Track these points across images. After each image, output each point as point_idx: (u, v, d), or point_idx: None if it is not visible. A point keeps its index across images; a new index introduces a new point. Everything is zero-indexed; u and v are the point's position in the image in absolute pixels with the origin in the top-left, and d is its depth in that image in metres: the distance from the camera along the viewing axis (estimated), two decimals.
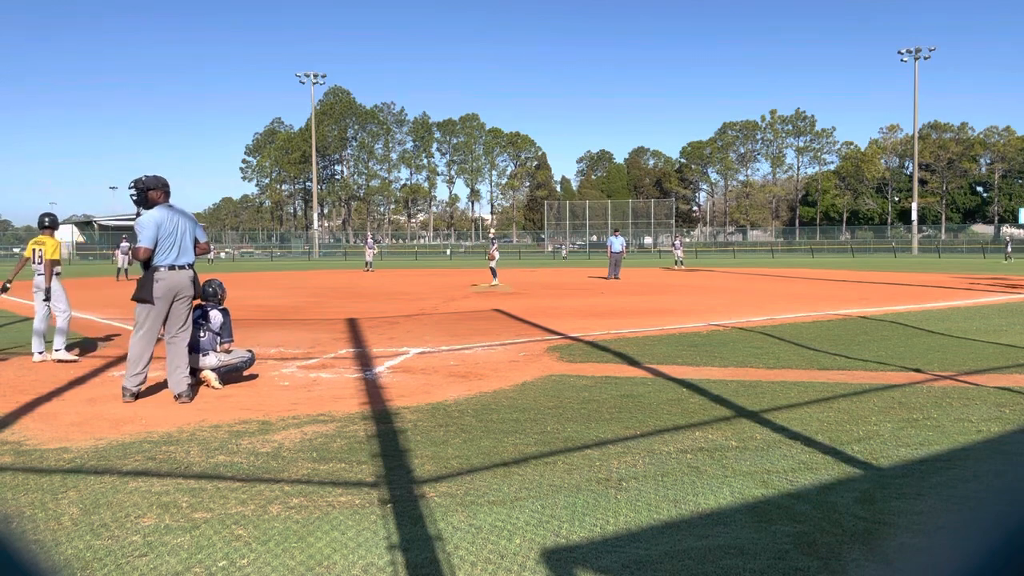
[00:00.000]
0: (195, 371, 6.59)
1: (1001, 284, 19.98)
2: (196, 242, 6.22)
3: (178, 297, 6.02)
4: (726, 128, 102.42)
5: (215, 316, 6.66)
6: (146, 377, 6.10)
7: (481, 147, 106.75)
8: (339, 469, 4.19)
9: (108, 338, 10.48)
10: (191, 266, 6.08)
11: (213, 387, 6.42)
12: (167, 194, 6.12)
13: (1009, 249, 42.45)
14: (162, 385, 6.69)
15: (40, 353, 8.04)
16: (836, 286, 20.35)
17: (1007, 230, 77.52)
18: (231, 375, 6.72)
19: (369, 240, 35.77)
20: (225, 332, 6.68)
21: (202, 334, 6.57)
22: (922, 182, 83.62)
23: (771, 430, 4.92)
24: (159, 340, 6.11)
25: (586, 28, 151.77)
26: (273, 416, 5.46)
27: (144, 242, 5.85)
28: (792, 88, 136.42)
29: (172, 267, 5.94)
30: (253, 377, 7.00)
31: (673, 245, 36.73)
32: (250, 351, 6.97)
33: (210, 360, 6.52)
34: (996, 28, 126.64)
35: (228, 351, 6.69)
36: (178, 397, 5.99)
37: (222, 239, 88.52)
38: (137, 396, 6.04)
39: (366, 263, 33.57)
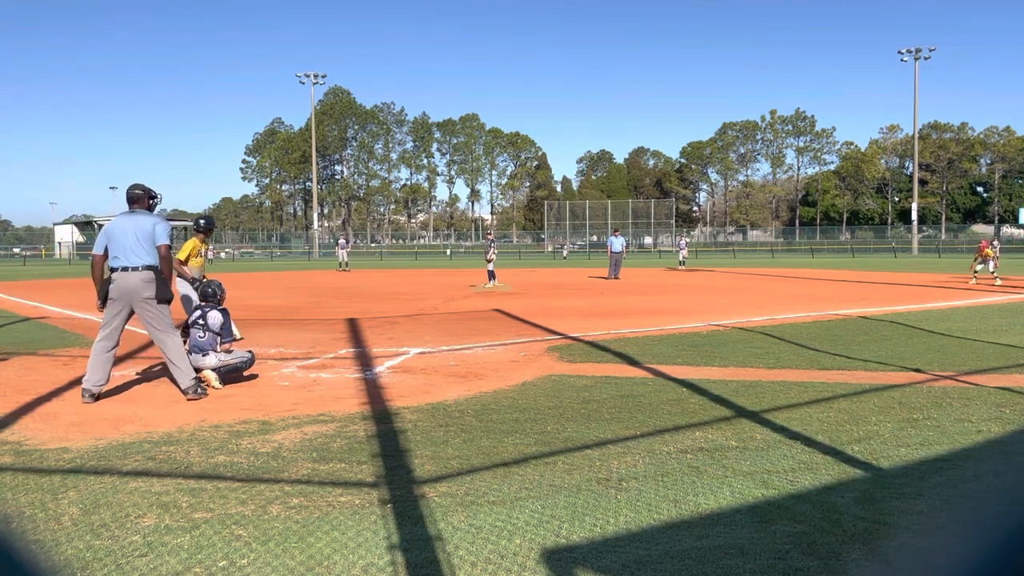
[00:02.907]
0: (195, 371, 6.60)
1: (1008, 284, 19.98)
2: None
3: (135, 299, 6.02)
4: (726, 128, 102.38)
5: (214, 316, 6.68)
6: (108, 378, 6.10)
7: (481, 147, 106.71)
8: (339, 469, 4.19)
9: None
10: (147, 268, 6.02)
11: (213, 387, 6.42)
12: (131, 201, 6.35)
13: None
14: (162, 386, 6.70)
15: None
16: (836, 286, 20.34)
17: (1007, 231, 77.57)
18: (231, 375, 6.74)
19: (342, 241, 38.11)
20: (225, 332, 6.70)
21: (201, 335, 6.59)
22: (922, 182, 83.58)
23: (771, 430, 4.92)
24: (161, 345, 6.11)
25: (586, 28, 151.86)
26: (273, 416, 5.46)
27: (94, 249, 6.24)
28: (792, 88, 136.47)
29: (124, 269, 6.03)
30: (253, 377, 7.00)
31: (677, 245, 36.67)
32: (250, 351, 6.99)
33: (210, 360, 6.53)
34: (996, 28, 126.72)
35: (229, 351, 6.70)
36: (184, 393, 6.08)
37: (222, 239, 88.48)
38: (97, 397, 5.99)
39: (341, 263, 35.75)
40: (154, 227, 6.14)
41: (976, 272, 21.25)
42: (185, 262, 8.36)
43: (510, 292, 18.73)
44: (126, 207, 6.33)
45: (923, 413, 5.33)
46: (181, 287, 8.25)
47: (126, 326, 6.24)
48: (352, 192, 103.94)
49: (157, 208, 6.71)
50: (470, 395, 6.16)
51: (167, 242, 6.20)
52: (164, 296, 6.11)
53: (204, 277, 8.28)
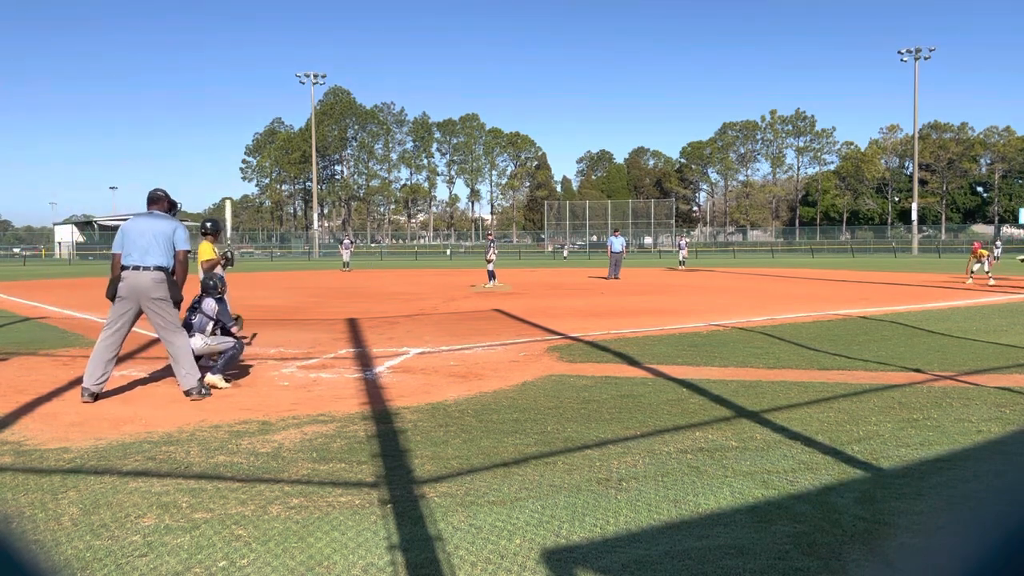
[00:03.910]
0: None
1: (1008, 284, 20.01)
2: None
3: (144, 299, 6.03)
4: (726, 128, 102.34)
5: (208, 302, 6.88)
6: (108, 377, 6.10)
7: (481, 147, 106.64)
8: (339, 469, 4.19)
9: None
10: (158, 268, 6.04)
11: (218, 387, 6.46)
12: (152, 201, 6.48)
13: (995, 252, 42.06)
14: (162, 386, 6.71)
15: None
16: (836, 286, 20.35)
17: (1007, 231, 77.62)
18: (232, 366, 6.86)
19: (346, 241, 38.70)
20: (225, 317, 6.90)
21: (193, 317, 6.76)
22: (922, 182, 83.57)
23: (771, 430, 4.92)
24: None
25: (586, 28, 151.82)
26: (273, 416, 5.46)
27: (113, 248, 6.31)
28: (792, 88, 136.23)
29: (136, 268, 6.05)
30: (245, 375, 7.01)
31: (677, 245, 36.65)
32: (237, 339, 7.10)
33: (196, 342, 6.62)
34: (996, 28, 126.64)
35: (237, 336, 6.97)
36: (187, 394, 6.09)
37: (222, 239, 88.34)
38: (96, 396, 5.98)
39: (344, 263, 36.13)
40: (174, 231, 6.21)
41: (973, 272, 21.45)
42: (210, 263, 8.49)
43: (510, 292, 18.73)
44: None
45: (923, 413, 5.33)
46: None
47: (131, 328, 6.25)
48: (352, 192, 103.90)
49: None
50: (470, 395, 6.16)
51: (186, 248, 6.29)
52: (176, 297, 6.15)
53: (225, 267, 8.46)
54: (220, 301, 6.93)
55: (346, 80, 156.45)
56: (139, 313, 6.15)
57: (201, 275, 8.28)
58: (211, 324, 6.81)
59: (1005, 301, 14.80)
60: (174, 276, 6.17)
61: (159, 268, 6.06)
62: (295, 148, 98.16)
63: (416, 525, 3.34)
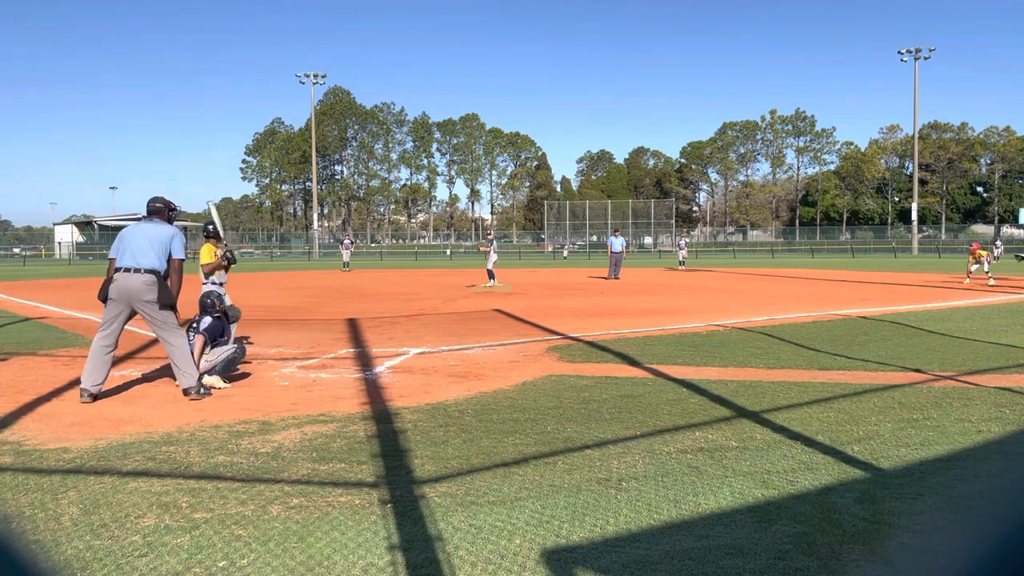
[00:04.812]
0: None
1: (1008, 284, 20.02)
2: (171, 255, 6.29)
3: (135, 301, 6.03)
4: (726, 128, 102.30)
5: (206, 320, 6.86)
6: (107, 378, 6.10)
7: (481, 147, 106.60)
8: (339, 469, 4.19)
9: None
10: (149, 271, 6.03)
11: (217, 388, 6.46)
12: (151, 213, 6.51)
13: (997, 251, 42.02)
14: (162, 386, 6.71)
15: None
16: (836, 286, 20.35)
17: (1007, 231, 77.69)
18: (233, 368, 6.84)
19: (346, 241, 38.67)
20: (215, 333, 6.86)
21: (190, 337, 6.68)
22: (922, 182, 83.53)
23: (771, 430, 4.92)
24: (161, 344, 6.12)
25: (586, 28, 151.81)
26: (273, 416, 5.46)
27: (110, 252, 6.33)
28: (792, 88, 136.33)
29: (127, 270, 6.06)
30: (246, 376, 7.01)
31: (677, 245, 36.61)
32: (236, 341, 7.09)
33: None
34: (996, 28, 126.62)
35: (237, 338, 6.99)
36: (186, 394, 6.11)
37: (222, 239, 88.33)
38: (96, 397, 5.98)
39: (344, 263, 36.29)
40: (172, 238, 6.22)
41: (971, 272, 21.54)
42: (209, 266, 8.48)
43: (510, 292, 18.73)
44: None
45: (923, 413, 5.33)
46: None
47: (125, 327, 6.26)
48: (352, 192, 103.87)
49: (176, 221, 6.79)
50: (470, 395, 6.16)
51: (182, 256, 6.30)
52: (166, 301, 6.13)
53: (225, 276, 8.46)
54: (217, 319, 6.94)
55: (346, 80, 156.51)
56: (131, 314, 6.17)
57: (202, 276, 8.29)
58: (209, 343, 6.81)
59: (1005, 301, 14.80)
60: (167, 281, 6.17)
61: (151, 271, 6.05)
62: (295, 148, 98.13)
63: (416, 525, 3.34)
